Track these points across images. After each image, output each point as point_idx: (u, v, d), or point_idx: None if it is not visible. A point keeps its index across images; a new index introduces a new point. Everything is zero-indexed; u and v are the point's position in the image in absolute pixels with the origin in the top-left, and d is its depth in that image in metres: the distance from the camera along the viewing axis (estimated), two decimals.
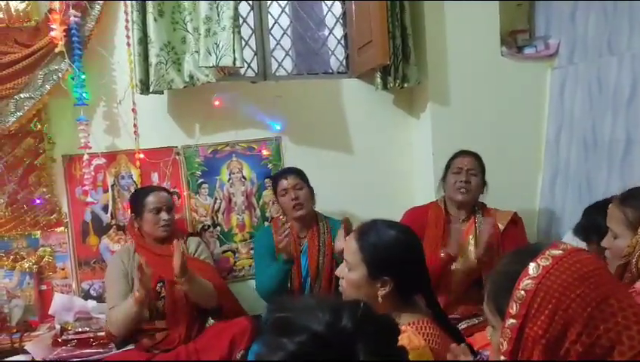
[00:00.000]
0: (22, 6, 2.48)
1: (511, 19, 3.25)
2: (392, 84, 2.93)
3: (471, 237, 2.52)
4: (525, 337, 0.92)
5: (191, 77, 2.59)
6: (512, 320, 0.94)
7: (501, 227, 2.51)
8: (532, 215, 3.18)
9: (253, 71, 3.03)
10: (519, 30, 3.26)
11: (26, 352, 2.39)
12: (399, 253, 1.42)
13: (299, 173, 2.65)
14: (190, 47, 2.61)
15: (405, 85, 2.95)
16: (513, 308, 0.93)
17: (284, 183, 2.59)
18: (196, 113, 2.85)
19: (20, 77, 2.42)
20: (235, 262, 2.92)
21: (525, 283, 0.93)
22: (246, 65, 2.88)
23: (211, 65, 2.50)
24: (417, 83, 2.97)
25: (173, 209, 2.57)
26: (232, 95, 2.85)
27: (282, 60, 3.11)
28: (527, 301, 0.92)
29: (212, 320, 2.45)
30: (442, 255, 2.33)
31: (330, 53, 3.25)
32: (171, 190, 2.74)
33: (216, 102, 2.84)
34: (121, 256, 2.50)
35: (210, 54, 2.52)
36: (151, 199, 2.47)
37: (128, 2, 2.58)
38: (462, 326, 2.36)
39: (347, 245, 1.49)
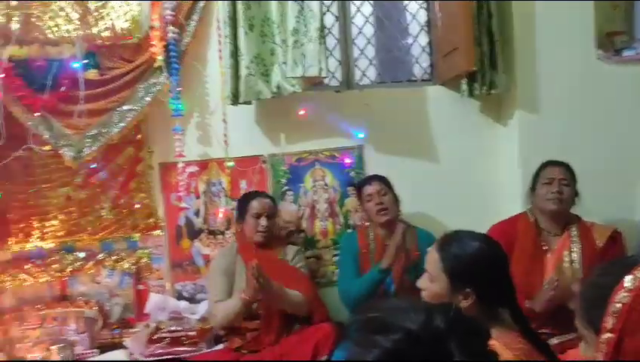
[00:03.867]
0: (125, 25, 2.67)
1: (607, 21, 3.07)
2: (478, 91, 2.86)
3: (566, 253, 2.38)
4: (624, 351, 0.89)
5: (278, 87, 2.67)
6: (608, 334, 0.90)
7: (599, 244, 2.36)
8: (631, 228, 2.97)
9: (337, 80, 3.07)
10: (617, 32, 3.07)
11: (124, 347, 2.57)
12: (482, 264, 1.39)
13: (383, 179, 2.68)
14: (278, 58, 2.70)
15: (492, 92, 2.87)
16: (609, 322, 0.91)
17: (369, 189, 2.64)
18: (283, 122, 2.93)
19: (124, 90, 2.61)
20: (319, 268, 2.96)
21: (621, 296, 0.90)
22: (330, 74, 2.93)
23: (298, 75, 2.57)
24: (505, 89, 2.88)
25: (274, 216, 2.65)
26: (316, 104, 2.91)
27: (366, 69, 3.14)
28: (624, 314, 0.89)
29: (297, 325, 2.50)
30: (527, 304, 2.20)
31: (414, 60, 3.24)
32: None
33: (302, 112, 2.91)
34: (225, 253, 2.63)
35: (297, 65, 2.60)
36: (254, 204, 2.57)
37: (221, 17, 2.71)
38: (553, 341, 2.25)
39: (429, 256, 1.48)
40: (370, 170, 2.95)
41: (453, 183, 3.04)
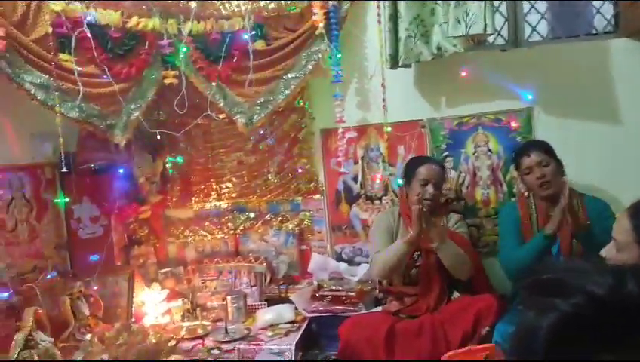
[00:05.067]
0: None
1: None
2: None
3: None
4: None
5: (439, 48, 2.57)
6: None
7: None
8: None
9: (503, 38, 2.86)
10: None
11: (290, 302, 2.74)
12: None
13: (543, 147, 2.41)
14: (439, 18, 2.59)
15: None
16: None
17: (527, 161, 2.39)
18: (443, 85, 2.83)
19: (288, 59, 2.71)
20: (480, 237, 2.84)
21: None
22: (496, 32, 2.74)
23: (461, 34, 2.45)
24: None
25: (442, 184, 2.55)
26: (480, 65, 2.75)
27: (537, 24, 2.87)
28: None
29: (457, 294, 2.44)
30: None
31: (595, 11, 2.88)
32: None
33: (464, 73, 2.77)
34: (388, 213, 2.66)
35: (459, 23, 2.47)
36: (422, 170, 2.50)
37: None
38: None
39: (618, 223, 1.33)
40: (540, 134, 2.72)
41: None
